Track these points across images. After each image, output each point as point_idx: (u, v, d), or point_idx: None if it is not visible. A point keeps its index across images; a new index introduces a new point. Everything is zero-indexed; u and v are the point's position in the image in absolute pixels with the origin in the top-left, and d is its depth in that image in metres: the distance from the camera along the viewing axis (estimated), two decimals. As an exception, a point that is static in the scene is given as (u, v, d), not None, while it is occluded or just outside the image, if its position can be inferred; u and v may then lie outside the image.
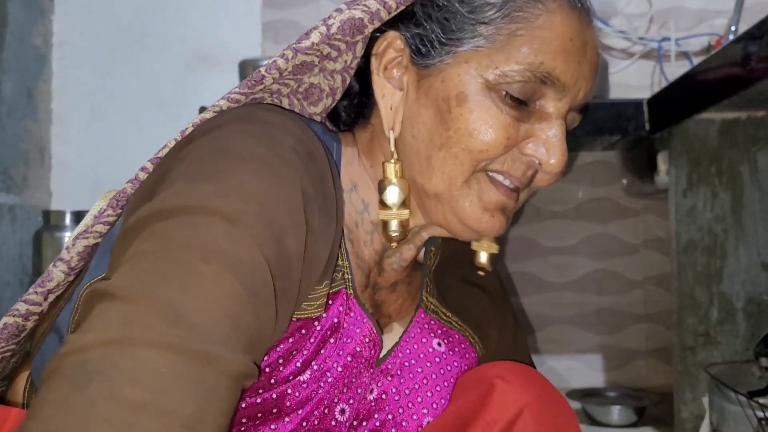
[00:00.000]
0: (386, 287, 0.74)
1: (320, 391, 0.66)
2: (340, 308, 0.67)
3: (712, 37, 1.55)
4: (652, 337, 1.62)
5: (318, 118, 0.73)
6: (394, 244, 0.69)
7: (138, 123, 1.68)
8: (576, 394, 1.51)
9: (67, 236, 1.49)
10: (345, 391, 0.68)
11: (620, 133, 1.24)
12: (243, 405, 0.63)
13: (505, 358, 0.80)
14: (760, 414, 0.94)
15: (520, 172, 0.66)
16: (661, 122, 1.18)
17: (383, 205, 0.67)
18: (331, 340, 0.66)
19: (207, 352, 0.46)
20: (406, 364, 0.73)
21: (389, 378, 0.72)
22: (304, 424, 0.66)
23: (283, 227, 0.55)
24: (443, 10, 0.65)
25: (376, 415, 0.71)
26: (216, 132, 0.59)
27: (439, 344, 0.75)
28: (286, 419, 0.65)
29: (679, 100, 1.12)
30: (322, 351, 0.65)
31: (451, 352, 0.76)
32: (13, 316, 0.69)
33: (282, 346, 0.63)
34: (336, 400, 0.68)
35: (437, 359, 0.74)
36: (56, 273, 0.69)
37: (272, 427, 0.65)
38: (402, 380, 0.72)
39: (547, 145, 0.65)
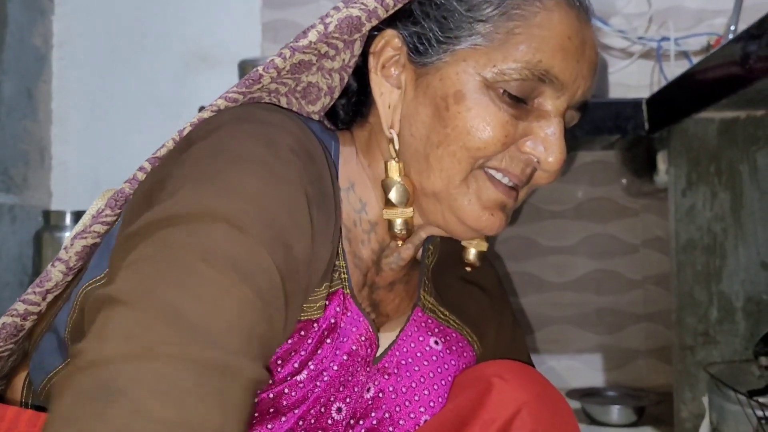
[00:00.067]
0: (384, 286, 0.74)
1: (316, 390, 0.66)
2: (337, 308, 0.67)
3: (711, 36, 1.55)
4: (652, 337, 1.62)
5: (316, 117, 0.73)
6: (399, 243, 0.69)
7: (138, 123, 1.68)
8: (576, 394, 1.50)
9: (67, 236, 1.49)
10: (341, 389, 0.68)
11: (619, 133, 1.24)
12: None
13: (503, 356, 0.80)
14: (760, 413, 0.94)
15: (518, 169, 0.66)
16: (661, 122, 1.18)
17: (388, 203, 0.67)
18: (328, 340, 0.66)
19: (228, 364, 0.46)
20: (403, 362, 0.73)
21: (386, 376, 0.72)
22: (301, 423, 0.66)
23: (291, 232, 0.55)
24: (441, 8, 0.66)
25: (373, 414, 0.71)
26: (217, 134, 0.59)
27: (435, 342, 0.75)
28: (283, 418, 0.65)
29: (679, 100, 1.12)
30: (319, 351, 0.65)
31: (447, 351, 0.76)
32: (12, 315, 0.69)
33: (282, 348, 0.63)
34: (332, 399, 0.68)
35: (434, 358, 0.74)
36: (54, 273, 0.69)
37: (269, 426, 0.65)
38: (399, 379, 0.72)
39: (545, 143, 0.65)
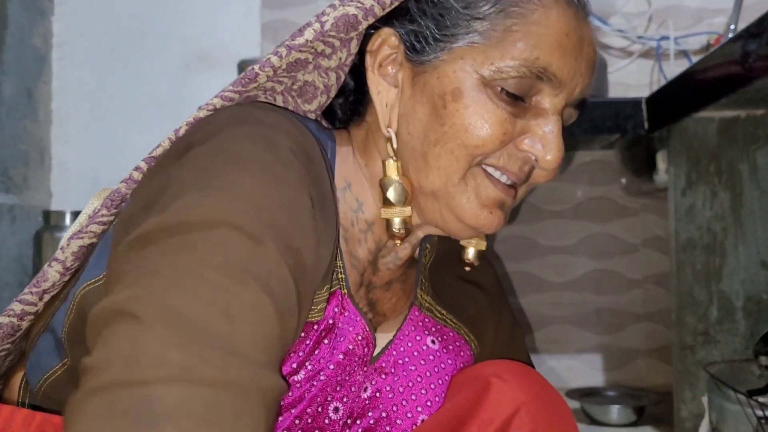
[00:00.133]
0: (380, 286, 0.73)
1: (313, 389, 0.65)
2: (335, 309, 0.66)
3: (711, 35, 1.55)
4: (652, 337, 1.62)
5: (312, 116, 0.73)
6: (398, 242, 0.69)
7: (137, 123, 1.68)
8: (575, 394, 1.50)
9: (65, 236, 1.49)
10: (338, 389, 0.68)
11: (619, 132, 1.24)
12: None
13: (501, 356, 0.80)
14: (760, 413, 0.94)
15: (516, 167, 0.66)
16: (660, 121, 1.17)
17: (386, 203, 0.67)
18: (326, 340, 0.66)
19: (261, 383, 0.46)
20: (400, 361, 0.73)
21: (383, 376, 0.72)
22: (297, 422, 0.66)
23: (298, 236, 0.54)
24: (438, 6, 0.65)
25: (370, 413, 0.71)
26: (216, 137, 0.58)
27: (432, 342, 0.75)
28: (279, 418, 0.65)
29: (678, 99, 1.11)
30: (317, 351, 0.65)
31: (444, 350, 0.75)
32: (9, 315, 0.69)
33: None
34: (329, 399, 0.67)
35: (431, 357, 0.74)
36: (51, 273, 0.69)
37: (266, 425, 0.65)
38: (396, 378, 0.72)
39: (543, 140, 0.65)
